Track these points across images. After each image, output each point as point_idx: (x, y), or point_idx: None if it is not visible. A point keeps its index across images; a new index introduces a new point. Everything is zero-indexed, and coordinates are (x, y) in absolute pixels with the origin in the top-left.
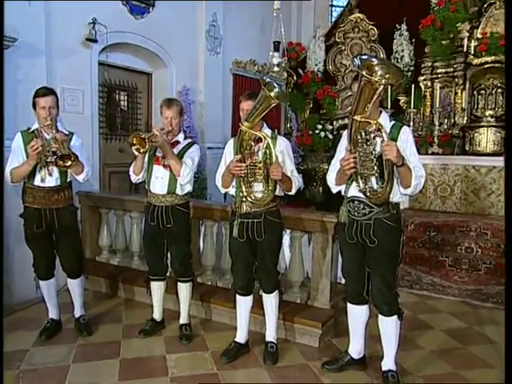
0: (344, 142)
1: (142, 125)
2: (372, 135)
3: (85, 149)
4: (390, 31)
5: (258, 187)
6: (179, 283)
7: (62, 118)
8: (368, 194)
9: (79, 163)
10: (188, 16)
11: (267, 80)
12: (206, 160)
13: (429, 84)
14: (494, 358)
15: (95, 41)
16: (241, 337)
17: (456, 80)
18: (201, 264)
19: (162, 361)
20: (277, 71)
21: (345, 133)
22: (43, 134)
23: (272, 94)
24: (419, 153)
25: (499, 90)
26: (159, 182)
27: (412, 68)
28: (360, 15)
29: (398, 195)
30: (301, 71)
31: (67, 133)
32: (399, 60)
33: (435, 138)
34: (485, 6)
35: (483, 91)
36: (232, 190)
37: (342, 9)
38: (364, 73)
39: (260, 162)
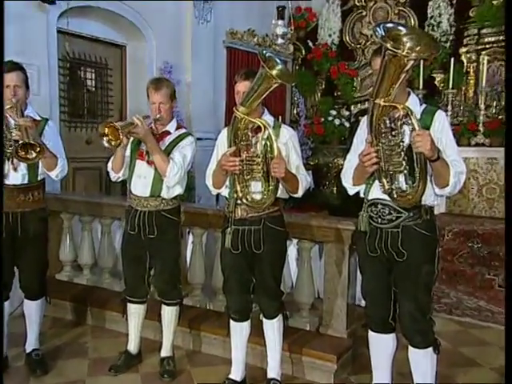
0: (364, 132)
1: (115, 110)
2: (399, 123)
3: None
4: None
5: (257, 187)
6: (164, 306)
7: (31, 100)
8: (395, 196)
9: (50, 156)
10: None
11: (268, 55)
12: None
13: (473, 57)
14: None
15: (52, 2)
16: (236, 373)
17: None
18: (187, 282)
19: None
20: (281, 44)
21: (365, 120)
22: (7, 118)
23: (274, 73)
24: (459, 144)
25: None
26: (142, 182)
27: (451, 37)
28: None
29: (433, 197)
30: (311, 44)
31: (39, 118)
32: (435, 28)
33: (480, 126)
34: None
35: None
36: (225, 191)
37: None
38: (389, 45)
39: (258, 156)
